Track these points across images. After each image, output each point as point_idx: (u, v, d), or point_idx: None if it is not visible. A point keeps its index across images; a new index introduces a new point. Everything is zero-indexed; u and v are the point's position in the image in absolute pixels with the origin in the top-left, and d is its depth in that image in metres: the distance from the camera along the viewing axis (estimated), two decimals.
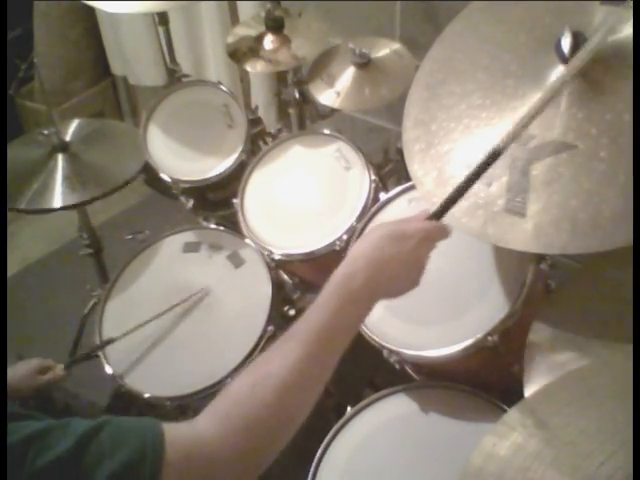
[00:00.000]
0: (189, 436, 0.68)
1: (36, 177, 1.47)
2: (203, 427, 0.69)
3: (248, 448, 0.70)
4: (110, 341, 1.34)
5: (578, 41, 0.89)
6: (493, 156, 0.83)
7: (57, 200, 1.44)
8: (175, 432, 0.67)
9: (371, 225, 1.29)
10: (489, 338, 1.02)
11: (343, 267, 0.79)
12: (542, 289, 1.10)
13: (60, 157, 1.50)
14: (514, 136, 0.84)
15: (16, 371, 1.20)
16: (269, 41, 1.58)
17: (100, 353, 1.34)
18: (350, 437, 1.08)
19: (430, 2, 1.68)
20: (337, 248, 1.31)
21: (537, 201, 0.90)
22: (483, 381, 1.10)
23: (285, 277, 1.46)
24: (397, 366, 1.14)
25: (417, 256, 0.82)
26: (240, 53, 1.60)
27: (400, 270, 0.81)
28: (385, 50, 1.55)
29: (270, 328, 1.29)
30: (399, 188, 1.29)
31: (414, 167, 1.05)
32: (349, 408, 1.11)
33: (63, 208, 1.46)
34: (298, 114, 1.74)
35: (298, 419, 0.73)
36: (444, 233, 0.84)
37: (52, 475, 0.61)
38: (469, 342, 1.04)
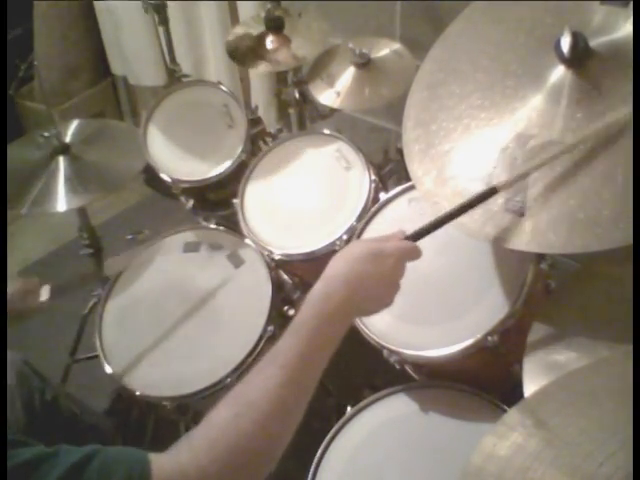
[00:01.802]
0: (174, 468, 0.69)
1: (38, 180, 1.46)
2: (186, 460, 0.70)
3: (232, 478, 0.71)
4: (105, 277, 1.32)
5: (578, 41, 0.89)
6: (484, 195, 0.86)
7: (61, 203, 1.43)
8: (161, 464, 0.68)
9: (371, 225, 1.29)
10: (489, 338, 1.02)
11: (320, 285, 0.80)
12: (542, 289, 1.10)
13: (61, 159, 1.50)
14: (512, 183, 0.87)
15: None
16: (269, 41, 1.58)
17: (100, 353, 1.33)
18: (350, 437, 1.08)
19: (430, 2, 1.68)
20: (337, 248, 1.31)
21: (537, 201, 0.90)
22: (483, 381, 1.10)
23: (285, 277, 1.46)
24: (397, 366, 1.14)
25: (393, 275, 0.83)
26: (240, 53, 1.60)
27: (376, 288, 0.82)
28: (385, 50, 1.55)
29: (270, 328, 1.29)
30: (399, 188, 1.29)
31: (414, 167, 1.05)
32: (349, 408, 1.11)
33: (68, 211, 1.45)
34: (298, 114, 1.74)
35: (282, 443, 0.74)
36: (417, 254, 0.86)
37: None
38: (469, 342, 1.04)
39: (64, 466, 0.64)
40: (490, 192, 0.88)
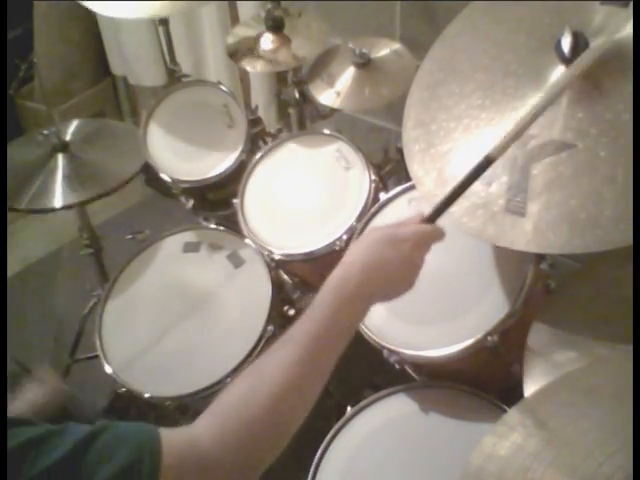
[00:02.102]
0: (186, 440, 0.68)
1: (36, 177, 1.47)
2: (200, 430, 0.69)
3: (245, 451, 0.70)
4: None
5: (578, 41, 0.89)
6: (490, 159, 0.84)
7: (57, 200, 1.44)
8: (172, 436, 0.67)
9: (371, 225, 1.29)
10: (489, 338, 1.02)
11: (338, 270, 0.80)
12: (542, 289, 1.10)
13: (60, 157, 1.50)
14: (515, 138, 0.85)
15: None
16: (269, 41, 1.58)
17: (100, 353, 1.33)
18: (350, 437, 1.08)
19: (430, 2, 1.68)
20: (337, 248, 1.31)
21: (537, 201, 0.90)
22: (483, 381, 1.10)
23: (285, 277, 1.46)
24: (397, 366, 1.14)
25: (412, 259, 0.82)
26: (240, 53, 1.60)
27: (395, 273, 0.81)
28: (385, 50, 1.55)
29: (270, 328, 1.29)
30: (399, 188, 1.29)
31: (414, 167, 1.05)
32: (349, 408, 1.11)
33: (63, 208, 1.46)
34: (298, 114, 1.74)
35: (295, 422, 0.74)
36: (439, 236, 0.85)
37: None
38: (469, 342, 1.04)
39: (71, 442, 0.63)
40: (489, 160, 0.85)
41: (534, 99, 0.95)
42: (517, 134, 0.85)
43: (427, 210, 0.86)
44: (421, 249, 0.83)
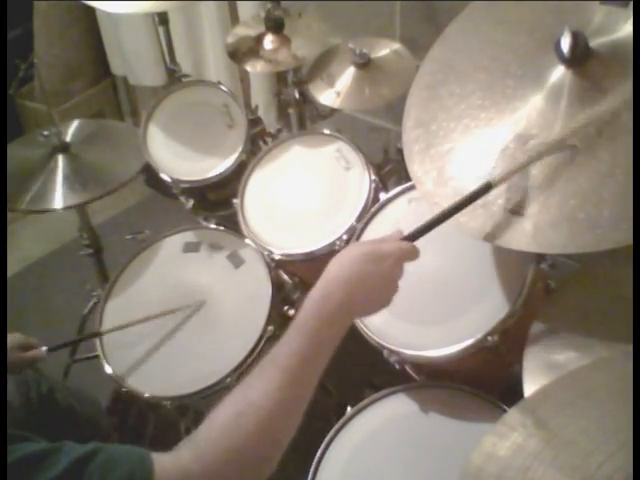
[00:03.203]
0: (176, 468, 0.69)
1: (36, 177, 1.47)
2: (188, 459, 0.70)
3: (232, 477, 0.71)
4: (99, 334, 1.35)
5: (578, 41, 0.89)
6: (481, 191, 0.86)
7: (58, 201, 1.44)
8: (163, 464, 0.69)
9: (371, 225, 1.29)
10: (489, 338, 1.02)
11: (319, 287, 0.80)
12: (542, 289, 1.10)
13: (60, 157, 1.50)
14: (508, 176, 0.87)
15: None
16: (269, 41, 1.58)
17: (100, 353, 1.34)
18: (350, 437, 1.08)
19: (430, 2, 1.68)
20: (337, 248, 1.31)
21: (537, 201, 0.90)
22: (483, 381, 1.10)
23: (285, 277, 1.46)
24: (397, 366, 1.14)
25: (392, 275, 0.83)
26: (240, 53, 1.60)
27: (375, 289, 0.82)
28: (385, 50, 1.55)
29: (270, 328, 1.29)
30: (399, 188, 1.29)
31: (414, 167, 1.05)
32: (349, 408, 1.11)
33: (64, 209, 1.46)
34: (298, 114, 1.74)
35: (283, 443, 0.75)
36: (415, 255, 0.86)
37: None
38: (469, 342, 1.04)
39: (67, 460, 0.65)
40: (485, 188, 0.87)
41: (534, 99, 0.95)
42: (521, 168, 0.87)
43: (411, 228, 0.87)
44: (400, 265, 0.84)
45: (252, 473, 0.73)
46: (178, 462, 0.70)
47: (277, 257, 1.38)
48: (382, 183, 1.42)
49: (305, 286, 1.46)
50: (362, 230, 1.28)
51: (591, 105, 0.89)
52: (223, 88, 1.61)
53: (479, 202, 0.94)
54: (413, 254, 0.85)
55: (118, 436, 1.47)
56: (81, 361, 1.69)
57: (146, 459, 0.68)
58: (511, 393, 0.96)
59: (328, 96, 1.53)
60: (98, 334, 1.35)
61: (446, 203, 0.94)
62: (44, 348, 1.27)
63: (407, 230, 0.87)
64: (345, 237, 1.32)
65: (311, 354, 0.76)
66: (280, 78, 1.89)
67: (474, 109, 1.01)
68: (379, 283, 0.82)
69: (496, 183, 0.88)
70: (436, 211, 0.88)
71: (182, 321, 1.36)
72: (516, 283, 1.06)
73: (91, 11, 2.40)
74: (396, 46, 1.55)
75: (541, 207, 0.89)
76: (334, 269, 0.81)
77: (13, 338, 1.23)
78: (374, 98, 1.51)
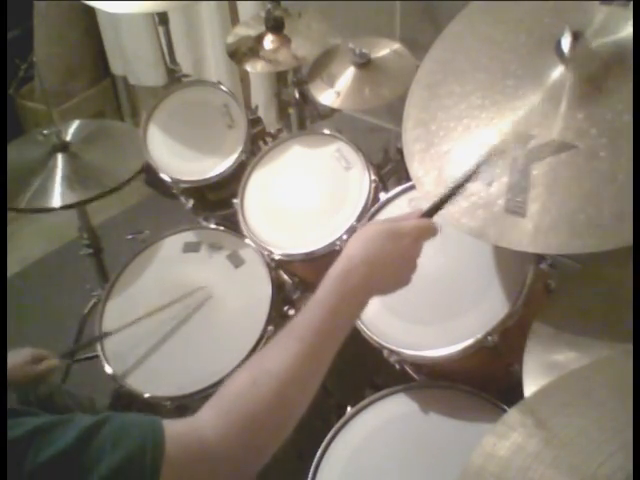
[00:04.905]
0: (189, 432, 0.69)
1: (36, 177, 1.47)
2: (203, 423, 0.70)
3: (247, 443, 0.71)
4: (107, 334, 1.35)
5: (578, 41, 0.89)
6: (492, 154, 0.84)
7: (56, 200, 1.44)
8: (175, 428, 0.69)
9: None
10: (489, 338, 1.02)
11: (340, 264, 0.80)
12: (542, 289, 1.10)
13: (60, 157, 1.50)
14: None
15: (10, 360, 1.19)
16: (269, 41, 1.58)
17: (100, 353, 1.34)
18: (350, 437, 1.08)
19: (430, 2, 1.68)
20: (337, 248, 1.31)
21: (537, 201, 0.89)
22: (483, 381, 1.10)
23: (285, 277, 1.46)
24: (397, 366, 1.14)
25: (411, 253, 0.83)
26: (240, 53, 1.60)
27: (394, 267, 0.82)
28: (385, 50, 1.55)
29: (270, 328, 1.29)
30: (399, 188, 1.29)
31: (414, 167, 1.05)
32: (349, 408, 1.11)
33: (63, 207, 1.46)
34: (298, 114, 1.74)
35: (296, 414, 0.75)
36: (435, 231, 0.86)
37: (54, 468, 0.62)
38: (469, 342, 1.04)
39: (77, 429, 0.65)
40: (493, 154, 0.86)
41: (534, 99, 0.95)
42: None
43: (425, 206, 0.86)
44: (419, 244, 0.84)
45: (266, 440, 0.73)
46: (192, 428, 0.70)
47: (277, 257, 1.38)
48: (382, 183, 1.42)
49: (305, 286, 1.46)
50: None
51: (591, 105, 0.89)
52: (223, 88, 1.61)
53: (479, 202, 0.94)
54: (432, 231, 0.85)
55: None
56: (81, 361, 1.69)
57: (157, 425, 0.68)
58: (511, 393, 0.96)
59: (328, 96, 1.53)
60: (107, 334, 1.35)
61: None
62: (56, 358, 1.27)
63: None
64: (345, 237, 1.32)
65: (329, 329, 0.76)
66: (280, 78, 1.89)
67: (474, 109, 1.01)
68: (398, 261, 0.82)
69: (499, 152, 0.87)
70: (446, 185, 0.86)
71: (182, 321, 1.36)
72: (516, 283, 1.06)
73: (91, 11, 2.41)
74: (396, 46, 1.55)
75: (541, 207, 0.89)
76: (353, 247, 0.81)
77: (25, 352, 1.23)
78: (374, 98, 1.51)
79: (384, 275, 0.81)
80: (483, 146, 0.97)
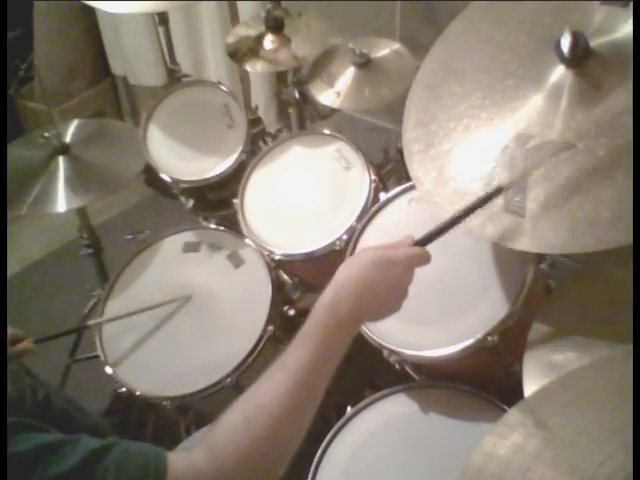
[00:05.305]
0: (188, 469, 0.70)
1: (37, 180, 1.46)
2: (199, 461, 0.71)
3: None
4: (87, 327, 1.37)
5: (578, 41, 0.89)
6: (492, 194, 0.86)
7: (61, 204, 1.42)
8: (176, 463, 0.70)
9: (371, 225, 1.29)
10: (489, 338, 1.02)
11: (328, 293, 0.80)
12: (542, 289, 1.10)
13: (61, 159, 1.49)
14: (518, 180, 0.88)
15: None
16: (269, 41, 1.58)
17: (100, 353, 1.34)
18: (350, 437, 1.08)
19: (430, 2, 1.68)
20: (337, 248, 1.31)
21: (536, 201, 0.90)
22: (483, 381, 1.10)
23: (285, 277, 1.46)
24: (397, 366, 1.14)
25: (402, 282, 0.83)
26: (240, 53, 1.60)
27: (385, 295, 0.82)
28: (385, 50, 1.55)
29: (270, 328, 1.29)
30: (399, 188, 1.29)
31: (414, 167, 1.05)
32: (349, 408, 1.11)
33: (67, 211, 1.45)
34: (298, 114, 1.74)
35: (292, 447, 0.75)
36: (427, 260, 0.85)
37: None
38: (469, 342, 1.04)
39: (84, 451, 0.66)
40: (496, 192, 0.87)
41: (534, 99, 0.95)
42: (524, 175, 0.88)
43: (420, 234, 0.86)
44: (411, 271, 0.84)
45: (262, 476, 0.74)
46: (190, 463, 0.71)
47: (277, 257, 1.38)
48: (382, 183, 1.42)
49: (305, 286, 1.46)
50: (362, 230, 1.28)
51: (591, 105, 0.89)
52: (223, 88, 1.62)
53: None
54: (424, 260, 0.85)
55: (118, 436, 1.47)
56: (81, 361, 1.69)
57: (161, 457, 0.69)
58: (511, 393, 0.96)
59: (328, 96, 1.53)
60: (86, 327, 1.36)
61: (446, 203, 0.95)
62: (30, 340, 1.26)
63: (417, 235, 0.86)
64: (345, 237, 1.32)
65: (320, 359, 0.76)
66: (280, 78, 1.89)
67: (474, 109, 1.01)
68: (389, 289, 0.81)
69: (507, 187, 0.88)
70: (443, 214, 0.87)
71: (182, 321, 1.36)
72: (516, 283, 1.06)
73: (91, 11, 2.41)
74: (396, 46, 1.55)
75: (541, 207, 0.89)
76: (344, 275, 0.81)
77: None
78: (374, 98, 1.51)
79: (374, 303, 0.81)
80: (483, 146, 0.97)
